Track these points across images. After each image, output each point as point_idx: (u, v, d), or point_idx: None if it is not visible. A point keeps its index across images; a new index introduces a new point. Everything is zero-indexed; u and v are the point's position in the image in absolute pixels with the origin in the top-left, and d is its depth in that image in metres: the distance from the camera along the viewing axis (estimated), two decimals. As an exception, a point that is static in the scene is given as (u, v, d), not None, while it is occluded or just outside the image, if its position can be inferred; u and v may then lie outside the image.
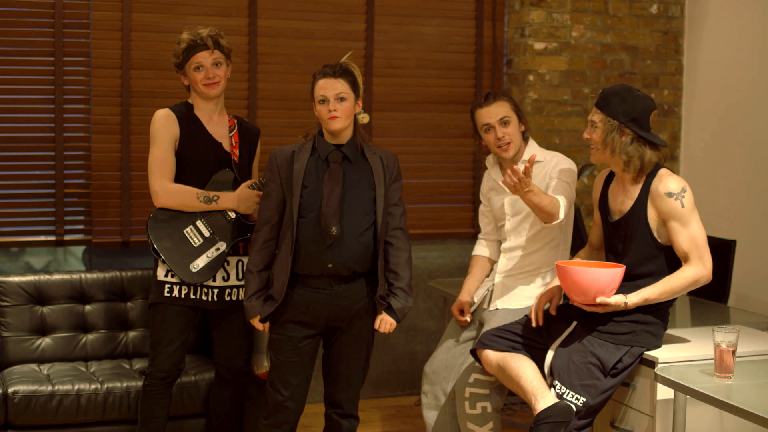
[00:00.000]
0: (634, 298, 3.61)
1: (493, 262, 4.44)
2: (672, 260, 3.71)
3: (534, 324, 3.81)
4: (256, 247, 3.93)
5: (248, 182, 4.25)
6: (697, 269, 3.62)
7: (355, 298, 3.89)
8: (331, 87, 3.81)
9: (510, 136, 4.16)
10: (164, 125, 4.16)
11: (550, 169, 4.15)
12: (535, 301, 3.88)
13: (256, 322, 3.93)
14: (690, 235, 3.63)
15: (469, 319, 4.32)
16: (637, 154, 3.67)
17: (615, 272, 3.61)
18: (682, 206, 3.63)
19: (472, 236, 5.77)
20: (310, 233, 3.80)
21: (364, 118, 4.18)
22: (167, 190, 4.13)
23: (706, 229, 5.36)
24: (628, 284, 3.69)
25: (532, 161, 3.88)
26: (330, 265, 3.81)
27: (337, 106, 3.81)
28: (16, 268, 5.17)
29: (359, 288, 3.90)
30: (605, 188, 3.90)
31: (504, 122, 4.15)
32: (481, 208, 4.48)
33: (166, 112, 4.20)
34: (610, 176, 3.90)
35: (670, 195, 3.64)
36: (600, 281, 3.58)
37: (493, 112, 4.15)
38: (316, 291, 3.85)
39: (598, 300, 3.58)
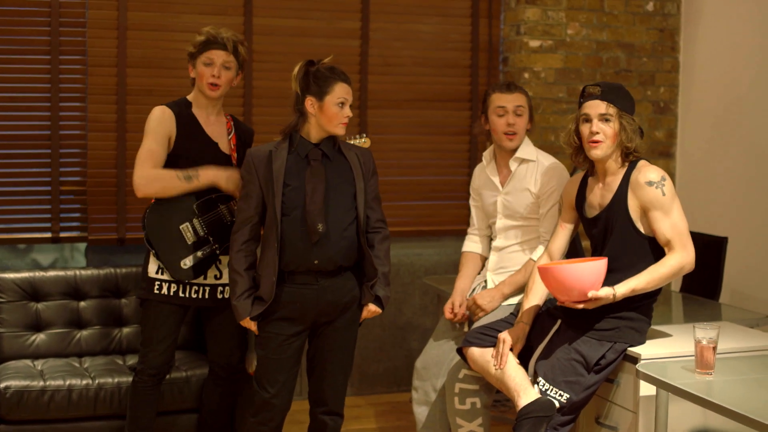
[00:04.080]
0: (622, 289, 3.58)
1: (484, 258, 4.45)
2: (655, 251, 3.71)
3: (498, 367, 3.79)
4: (236, 247, 3.93)
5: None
6: (682, 256, 3.61)
7: (342, 292, 3.92)
8: (350, 93, 3.90)
9: (518, 128, 4.23)
10: (160, 122, 4.16)
11: (540, 177, 4.18)
12: (499, 344, 3.81)
13: (247, 323, 3.95)
14: (672, 223, 3.63)
15: (459, 315, 4.32)
16: (637, 143, 3.72)
17: (599, 265, 3.60)
18: (663, 194, 3.63)
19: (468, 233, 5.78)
20: (296, 231, 3.83)
21: (365, 143, 4.26)
22: (146, 176, 4.12)
23: (699, 226, 5.40)
24: (613, 277, 3.70)
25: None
26: (316, 262, 3.84)
27: (349, 113, 3.89)
28: (23, 265, 5.21)
29: (345, 281, 3.93)
30: (581, 188, 3.91)
31: (518, 113, 4.23)
32: (471, 201, 4.50)
33: (164, 109, 4.20)
34: (584, 178, 3.92)
35: (650, 184, 3.64)
36: (584, 277, 3.57)
37: (512, 99, 4.23)
38: (302, 287, 3.87)
39: (590, 294, 3.56)
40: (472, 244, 4.49)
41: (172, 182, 4.13)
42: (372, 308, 4.00)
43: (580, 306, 3.62)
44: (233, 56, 4.22)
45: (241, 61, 4.27)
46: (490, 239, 4.44)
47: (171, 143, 4.19)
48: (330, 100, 3.84)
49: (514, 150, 4.26)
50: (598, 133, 3.70)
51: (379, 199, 4.06)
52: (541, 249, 4.16)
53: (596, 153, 3.72)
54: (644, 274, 3.62)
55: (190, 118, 4.23)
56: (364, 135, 4.35)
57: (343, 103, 3.86)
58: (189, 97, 4.30)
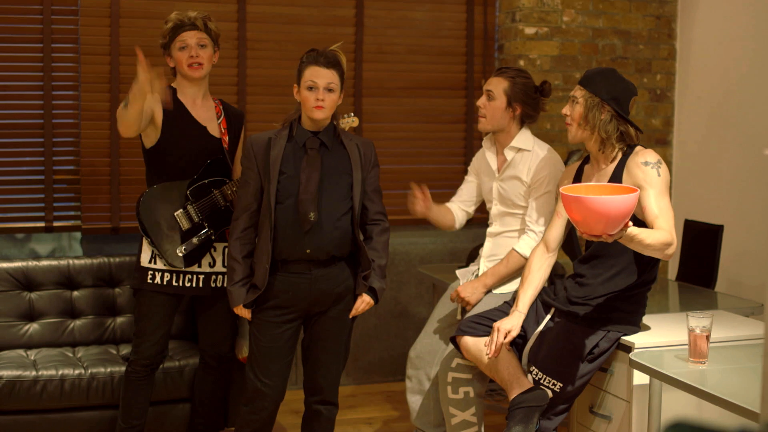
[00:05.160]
0: (631, 229, 3.31)
1: (452, 218, 4.46)
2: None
3: (491, 356, 3.76)
4: (235, 234, 3.93)
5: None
6: (670, 233, 3.48)
7: (335, 282, 3.90)
8: (322, 76, 3.82)
9: (485, 111, 4.21)
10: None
11: (533, 166, 4.15)
12: (494, 333, 3.78)
13: (240, 310, 3.94)
14: (663, 206, 3.55)
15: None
16: (615, 133, 3.67)
17: (632, 198, 3.22)
18: (658, 175, 3.60)
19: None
20: (288, 219, 3.81)
21: (354, 122, 4.22)
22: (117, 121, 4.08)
23: (695, 214, 5.37)
24: (604, 261, 3.67)
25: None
26: (308, 251, 3.82)
27: (325, 96, 3.82)
28: (21, 254, 5.20)
29: (339, 271, 3.91)
30: (577, 177, 3.89)
31: (488, 95, 4.21)
32: (466, 177, 4.50)
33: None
34: (581, 167, 3.90)
35: (646, 164, 3.62)
36: (626, 206, 3.20)
37: (490, 82, 4.24)
38: (295, 276, 3.86)
39: (631, 224, 3.27)
40: (449, 204, 4.49)
41: (120, 114, 4.03)
42: (366, 299, 3.97)
43: (611, 239, 3.31)
44: (205, 33, 4.19)
45: (214, 37, 4.24)
46: (467, 214, 4.48)
47: (157, 125, 4.14)
48: (302, 85, 3.84)
49: (502, 137, 4.24)
50: (567, 115, 3.75)
51: (380, 192, 4.02)
52: (525, 239, 4.13)
53: (568, 136, 3.78)
54: (644, 230, 3.41)
55: (176, 104, 4.21)
56: (352, 114, 4.30)
57: (311, 87, 3.81)
58: (173, 84, 4.28)
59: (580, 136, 3.73)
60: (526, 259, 4.10)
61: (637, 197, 3.22)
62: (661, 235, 3.46)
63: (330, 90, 3.83)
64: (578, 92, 3.71)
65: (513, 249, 4.15)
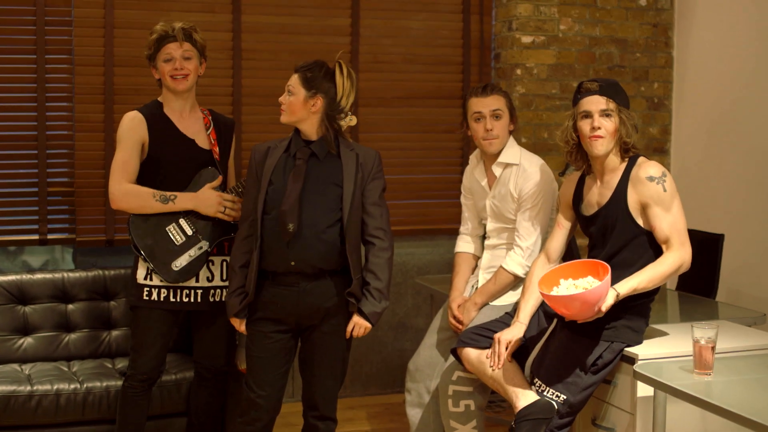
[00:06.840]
0: (623, 289, 3.49)
1: (477, 258, 4.39)
2: (654, 246, 3.65)
3: (495, 368, 3.72)
4: (236, 243, 3.93)
5: (213, 183, 4.17)
6: (680, 254, 3.55)
7: (324, 296, 3.83)
8: (290, 81, 3.87)
9: (498, 131, 4.13)
10: (130, 128, 4.10)
11: (520, 181, 4.11)
12: (495, 345, 3.75)
13: (235, 321, 3.91)
14: (672, 221, 3.57)
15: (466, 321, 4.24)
16: (635, 138, 3.69)
17: (605, 284, 3.45)
18: (664, 190, 3.58)
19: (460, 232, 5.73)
20: (274, 230, 3.78)
21: (351, 121, 4.16)
22: (123, 191, 4.06)
23: (694, 223, 5.34)
24: (614, 273, 3.63)
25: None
26: (293, 263, 3.78)
27: (284, 100, 3.85)
28: (13, 267, 5.16)
29: (328, 286, 3.84)
30: (578, 187, 3.85)
31: (496, 115, 4.13)
32: (463, 200, 4.42)
33: (134, 115, 4.13)
34: (582, 178, 3.86)
35: (651, 179, 3.59)
36: (594, 298, 3.43)
37: (488, 103, 4.13)
38: (284, 288, 3.82)
39: (603, 308, 3.45)
40: (464, 244, 4.41)
41: (149, 201, 4.07)
42: (361, 323, 3.85)
43: (592, 319, 3.54)
44: (190, 44, 4.13)
45: (199, 48, 4.19)
46: (482, 238, 4.38)
47: (145, 149, 4.11)
48: None
49: (498, 153, 4.18)
50: (599, 128, 3.65)
51: (381, 206, 3.91)
52: (512, 255, 4.10)
53: (598, 148, 3.67)
54: (644, 273, 3.54)
55: (162, 120, 4.15)
56: (349, 113, 4.23)
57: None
58: (159, 99, 4.23)
59: (610, 148, 3.68)
60: (515, 276, 4.09)
61: (608, 283, 3.43)
62: (666, 267, 3.54)
63: (289, 93, 3.84)
64: (610, 104, 3.65)
65: (501, 266, 4.12)
